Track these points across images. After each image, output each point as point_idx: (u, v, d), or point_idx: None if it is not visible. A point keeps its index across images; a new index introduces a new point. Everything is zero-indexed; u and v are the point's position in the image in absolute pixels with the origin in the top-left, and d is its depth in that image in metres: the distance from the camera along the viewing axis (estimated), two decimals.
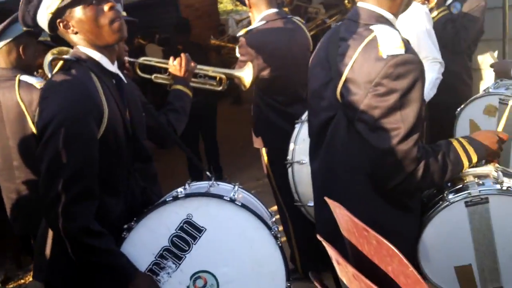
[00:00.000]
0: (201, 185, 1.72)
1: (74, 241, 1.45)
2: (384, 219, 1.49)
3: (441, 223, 1.55)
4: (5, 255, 3.86)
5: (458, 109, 2.44)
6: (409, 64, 1.38)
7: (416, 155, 1.42)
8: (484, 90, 2.42)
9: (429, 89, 2.79)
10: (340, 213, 1.28)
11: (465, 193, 1.53)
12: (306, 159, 2.32)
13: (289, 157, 2.51)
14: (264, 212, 1.75)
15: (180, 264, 1.55)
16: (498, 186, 1.52)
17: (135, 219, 1.55)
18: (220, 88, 2.53)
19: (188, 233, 1.53)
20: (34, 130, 2.15)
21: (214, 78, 2.52)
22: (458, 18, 3.28)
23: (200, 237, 1.54)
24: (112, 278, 1.52)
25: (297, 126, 2.55)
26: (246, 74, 2.62)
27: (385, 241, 1.05)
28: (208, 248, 1.54)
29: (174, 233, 1.53)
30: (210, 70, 2.52)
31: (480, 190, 1.52)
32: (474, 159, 1.54)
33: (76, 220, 1.43)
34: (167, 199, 1.56)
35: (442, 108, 3.00)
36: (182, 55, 2.23)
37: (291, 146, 2.52)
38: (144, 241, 1.54)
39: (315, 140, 1.68)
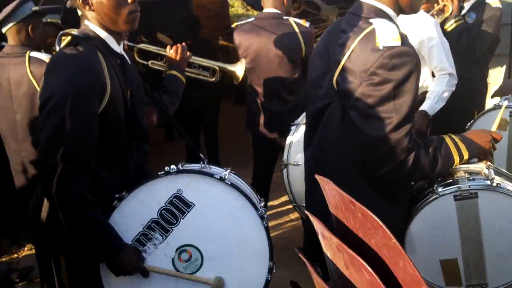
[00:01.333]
0: (193, 166, 1.76)
1: (67, 209, 1.49)
2: (370, 208, 1.50)
3: (429, 215, 1.56)
4: (0, 230, 3.91)
5: (469, 124, 2.46)
6: (404, 56, 1.41)
7: (407, 145, 1.44)
8: (495, 104, 2.44)
9: (435, 102, 2.82)
10: (329, 189, 1.30)
11: (455, 187, 1.55)
12: (300, 161, 2.43)
13: (284, 158, 2.60)
14: (253, 195, 1.77)
15: (167, 237, 1.57)
16: (488, 182, 1.54)
17: (125, 191, 1.58)
18: (213, 79, 2.67)
19: (177, 207, 1.56)
20: None
21: (208, 69, 2.65)
22: (473, 27, 3.34)
23: (188, 212, 1.57)
24: (99, 249, 1.55)
25: (292, 129, 2.65)
26: (238, 69, 2.80)
27: (370, 212, 1.07)
28: (196, 224, 1.57)
29: (164, 206, 1.56)
30: (205, 62, 2.65)
31: (470, 185, 1.54)
32: (466, 156, 1.56)
33: (71, 190, 1.47)
34: (159, 173, 1.60)
35: (456, 115, 3.06)
36: (179, 44, 2.34)
37: (286, 148, 2.61)
38: (133, 212, 1.57)
39: (310, 127, 1.71)
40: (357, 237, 1.16)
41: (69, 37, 1.59)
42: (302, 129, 2.50)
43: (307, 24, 2.99)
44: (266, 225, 1.60)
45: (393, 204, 1.57)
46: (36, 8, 2.49)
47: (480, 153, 1.62)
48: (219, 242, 1.59)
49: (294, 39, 2.94)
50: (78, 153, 1.48)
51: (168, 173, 1.58)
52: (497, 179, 1.56)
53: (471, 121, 2.46)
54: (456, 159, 1.55)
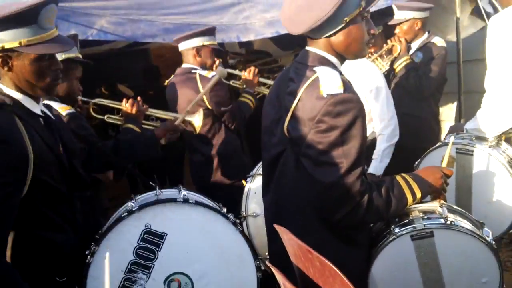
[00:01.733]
0: (147, 196, 1.80)
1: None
2: (331, 253, 1.45)
3: (389, 257, 1.59)
4: None
5: (416, 162, 2.52)
6: (348, 102, 1.47)
7: (359, 188, 1.48)
8: (441, 141, 2.53)
9: (379, 162, 2.91)
10: (287, 238, 1.33)
11: (410, 227, 1.59)
12: (259, 211, 2.47)
13: (242, 211, 2.62)
14: (216, 205, 1.83)
15: (150, 273, 1.62)
16: (442, 221, 1.59)
17: (92, 243, 1.60)
18: None
19: (151, 242, 1.61)
20: None
21: (164, 121, 2.78)
22: (420, 66, 3.55)
23: (163, 242, 1.62)
24: None
25: (248, 180, 2.72)
26: (196, 119, 2.95)
27: (326, 261, 1.10)
28: (174, 251, 1.63)
29: (137, 245, 1.61)
30: (162, 113, 2.84)
31: (425, 224, 1.58)
32: (418, 194, 1.59)
33: None
34: (122, 215, 1.63)
35: (408, 152, 3.13)
36: (131, 99, 2.45)
37: (244, 200, 2.65)
38: (109, 261, 1.60)
39: (266, 174, 1.75)
40: (318, 287, 1.19)
41: None
42: (257, 180, 2.56)
43: (210, 75, 3.13)
44: (241, 229, 1.66)
45: (353, 247, 1.60)
46: None
47: (433, 191, 1.66)
48: (202, 260, 1.65)
49: (193, 90, 3.14)
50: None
51: (131, 212, 1.62)
52: (451, 217, 1.61)
53: (419, 160, 2.51)
54: (410, 198, 1.58)
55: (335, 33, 1.54)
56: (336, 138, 1.47)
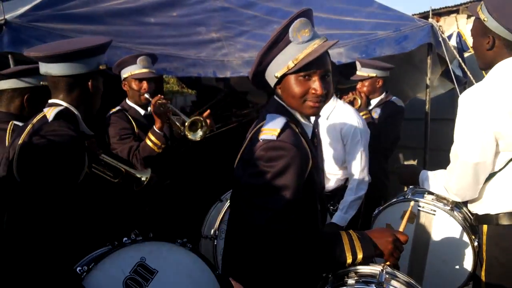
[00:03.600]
0: None
1: None
2: None
3: None
4: None
5: (376, 211, 2.72)
6: (279, 149, 1.61)
7: (289, 235, 1.57)
8: (403, 196, 2.69)
9: (344, 213, 3.10)
10: None
11: None
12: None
13: (202, 230, 3.18)
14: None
15: None
16: (374, 287, 1.58)
17: (93, 263, 1.87)
18: (115, 181, 3.08)
19: (141, 275, 1.92)
20: None
21: (113, 169, 3.08)
22: (379, 122, 4.06)
23: (152, 279, 1.93)
24: None
25: (215, 204, 3.24)
26: (144, 176, 3.27)
27: None
28: None
29: (129, 275, 1.91)
30: (113, 162, 3.11)
31: None
32: (359, 255, 1.63)
33: None
34: (125, 241, 1.94)
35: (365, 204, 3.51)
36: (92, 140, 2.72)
37: (205, 221, 3.22)
38: (100, 285, 1.86)
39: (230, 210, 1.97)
40: None
41: None
42: (225, 205, 3.13)
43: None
44: (224, 285, 1.96)
45: None
46: None
47: (385, 254, 1.69)
48: None
49: None
50: None
51: (134, 241, 1.94)
52: (389, 284, 1.63)
53: (379, 209, 2.69)
54: (349, 257, 1.62)
55: (274, 87, 1.77)
56: (265, 183, 1.60)
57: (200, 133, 3.27)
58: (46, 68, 1.98)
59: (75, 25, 3.69)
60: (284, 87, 1.73)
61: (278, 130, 1.64)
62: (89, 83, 2.03)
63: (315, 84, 1.69)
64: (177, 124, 3.37)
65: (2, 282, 1.71)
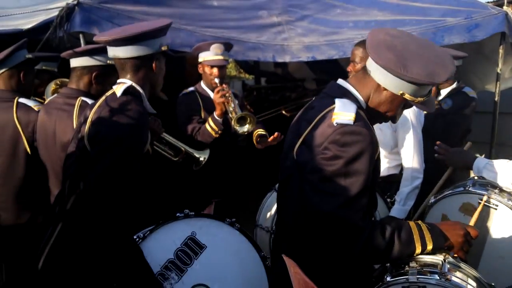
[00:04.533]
0: None
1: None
2: (324, 286, 1.56)
3: None
4: None
5: (432, 199, 2.64)
6: (356, 134, 1.60)
7: (357, 223, 1.57)
8: (463, 187, 2.57)
9: (402, 205, 3.06)
10: (294, 272, 1.49)
11: (403, 278, 1.65)
12: (267, 225, 2.92)
13: (257, 219, 3.16)
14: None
15: (182, 276, 2.03)
16: (437, 277, 1.62)
17: (148, 232, 2.02)
18: (176, 159, 3.34)
19: (191, 248, 2.03)
20: (28, 149, 2.61)
21: (174, 148, 3.33)
22: (448, 113, 3.90)
23: (201, 253, 2.04)
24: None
25: (268, 194, 3.22)
26: (202, 156, 3.46)
27: None
28: (207, 264, 2.04)
29: (180, 247, 2.02)
30: (174, 141, 3.35)
31: (418, 278, 1.63)
32: (429, 246, 1.64)
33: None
34: (178, 215, 2.06)
35: (423, 197, 3.38)
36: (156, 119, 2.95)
37: (259, 210, 3.20)
38: (152, 252, 2.00)
39: (277, 197, 1.97)
40: None
41: None
42: (274, 195, 3.07)
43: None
44: (268, 264, 2.04)
45: (346, 286, 1.74)
46: (30, 55, 2.87)
47: (455, 247, 1.70)
48: (228, 281, 2.05)
49: None
50: None
51: (187, 216, 2.05)
52: (451, 274, 1.64)
53: (436, 198, 2.61)
54: (418, 247, 1.64)
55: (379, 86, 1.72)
56: (339, 168, 1.59)
57: (246, 128, 3.51)
58: (114, 52, 2.11)
59: (142, 7, 3.83)
60: (382, 96, 1.72)
61: (354, 115, 1.63)
62: (153, 63, 2.14)
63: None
64: (230, 114, 3.59)
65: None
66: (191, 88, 3.79)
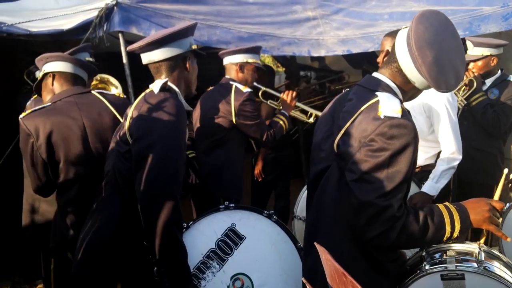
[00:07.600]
0: None
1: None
2: (360, 278, 1.55)
3: None
4: (14, 268, 4.38)
5: (507, 206, 2.68)
6: (403, 128, 1.66)
7: (395, 213, 1.63)
8: None
9: (435, 182, 3.06)
10: (325, 259, 1.48)
11: (442, 266, 1.74)
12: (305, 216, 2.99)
13: (295, 210, 3.32)
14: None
15: (223, 266, 2.15)
16: (475, 265, 1.71)
17: (191, 222, 2.16)
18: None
19: (231, 239, 2.15)
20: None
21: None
22: (496, 103, 3.89)
23: (240, 244, 2.16)
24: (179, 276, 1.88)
25: (305, 187, 3.24)
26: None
27: (359, 286, 1.20)
28: (246, 254, 2.16)
29: (220, 238, 2.15)
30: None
31: (456, 266, 1.72)
32: (457, 227, 1.70)
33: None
34: (220, 207, 2.18)
35: (476, 188, 3.57)
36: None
37: (298, 201, 3.35)
38: (194, 241, 2.14)
39: (310, 188, 1.99)
40: None
41: None
42: None
43: (245, 90, 3.61)
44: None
45: (382, 277, 1.78)
46: (91, 59, 3.16)
47: (484, 222, 1.71)
48: (266, 271, 2.17)
49: (227, 102, 3.61)
50: None
51: (227, 208, 2.18)
52: (487, 262, 1.73)
53: (507, 206, 2.67)
54: (448, 229, 1.69)
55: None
56: (384, 159, 1.65)
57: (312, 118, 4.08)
58: (148, 57, 2.22)
59: (178, 6, 3.96)
60: (408, 89, 1.81)
61: (400, 109, 1.69)
62: (187, 63, 2.25)
63: None
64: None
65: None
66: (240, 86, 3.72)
